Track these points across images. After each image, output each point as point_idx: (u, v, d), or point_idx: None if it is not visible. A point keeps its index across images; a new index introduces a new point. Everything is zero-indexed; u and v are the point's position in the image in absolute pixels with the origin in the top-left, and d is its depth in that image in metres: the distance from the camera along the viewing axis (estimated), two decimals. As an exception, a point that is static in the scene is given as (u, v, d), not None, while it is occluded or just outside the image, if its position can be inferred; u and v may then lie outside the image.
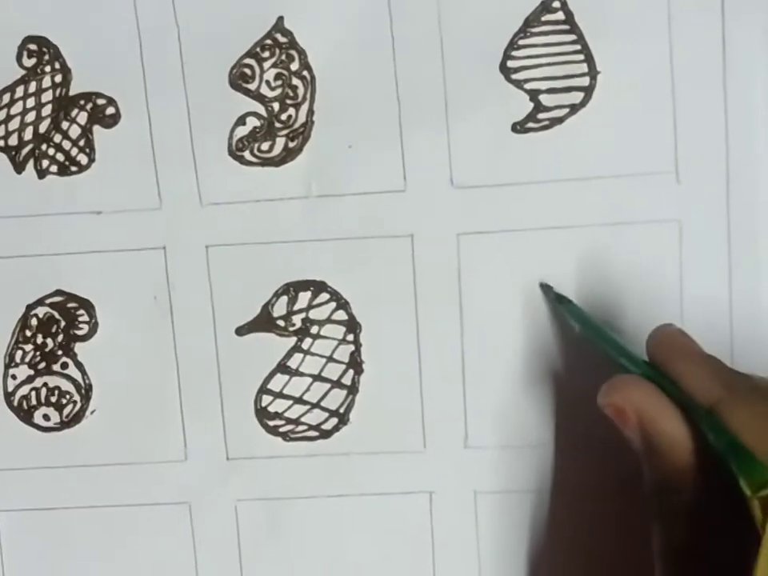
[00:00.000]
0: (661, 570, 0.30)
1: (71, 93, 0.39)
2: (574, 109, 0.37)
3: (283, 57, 0.38)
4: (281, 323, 0.39)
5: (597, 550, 0.38)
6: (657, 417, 0.29)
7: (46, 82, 0.39)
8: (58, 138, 0.39)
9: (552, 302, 0.37)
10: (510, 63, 0.37)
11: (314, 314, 0.39)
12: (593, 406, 0.37)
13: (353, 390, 0.39)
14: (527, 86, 0.37)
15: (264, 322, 0.39)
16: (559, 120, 0.37)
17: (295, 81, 0.38)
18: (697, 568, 0.29)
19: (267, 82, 0.38)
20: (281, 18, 0.38)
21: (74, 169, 0.39)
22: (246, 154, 0.38)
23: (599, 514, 0.38)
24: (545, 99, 0.37)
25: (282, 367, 0.39)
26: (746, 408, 0.28)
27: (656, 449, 0.29)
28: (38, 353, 0.40)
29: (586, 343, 0.36)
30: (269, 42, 0.38)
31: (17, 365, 0.40)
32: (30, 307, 0.40)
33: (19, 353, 0.40)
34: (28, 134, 0.39)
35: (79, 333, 0.39)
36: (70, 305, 0.39)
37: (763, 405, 0.28)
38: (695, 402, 0.29)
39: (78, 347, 0.40)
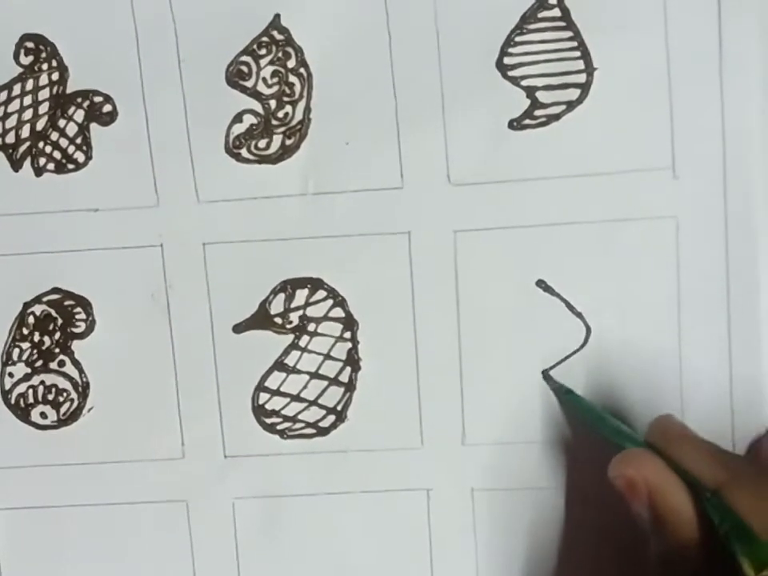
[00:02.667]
0: None
1: (68, 90, 0.39)
2: (570, 105, 0.37)
3: (280, 54, 0.38)
4: (278, 321, 0.39)
5: (594, 546, 0.38)
6: (666, 491, 0.30)
7: (43, 79, 0.39)
8: (55, 135, 0.39)
9: (556, 392, 0.38)
10: (507, 60, 0.37)
11: (311, 312, 0.39)
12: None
13: (350, 387, 0.39)
14: (524, 82, 0.37)
15: (261, 319, 0.39)
16: (556, 117, 0.37)
17: (292, 78, 0.38)
18: None
19: (264, 80, 0.38)
20: (277, 16, 0.38)
21: (71, 166, 0.39)
22: (243, 152, 0.38)
23: (597, 510, 0.38)
24: (541, 96, 0.37)
25: (280, 365, 0.39)
26: (749, 490, 0.29)
27: (664, 522, 0.30)
28: (35, 351, 0.40)
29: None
30: (265, 39, 0.38)
31: (14, 363, 0.40)
32: (27, 305, 0.40)
33: (16, 351, 0.40)
34: (25, 131, 0.39)
35: (76, 331, 0.39)
36: (67, 302, 0.39)
37: (763, 487, 0.29)
38: (699, 481, 0.30)
39: (75, 345, 0.40)
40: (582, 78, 0.37)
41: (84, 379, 0.40)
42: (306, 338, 0.39)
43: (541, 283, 0.37)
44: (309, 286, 0.39)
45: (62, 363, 0.40)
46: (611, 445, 0.34)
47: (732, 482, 0.29)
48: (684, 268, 0.37)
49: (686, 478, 0.30)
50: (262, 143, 0.38)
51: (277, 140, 0.38)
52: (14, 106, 0.39)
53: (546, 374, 0.38)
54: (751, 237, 0.37)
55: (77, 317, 0.39)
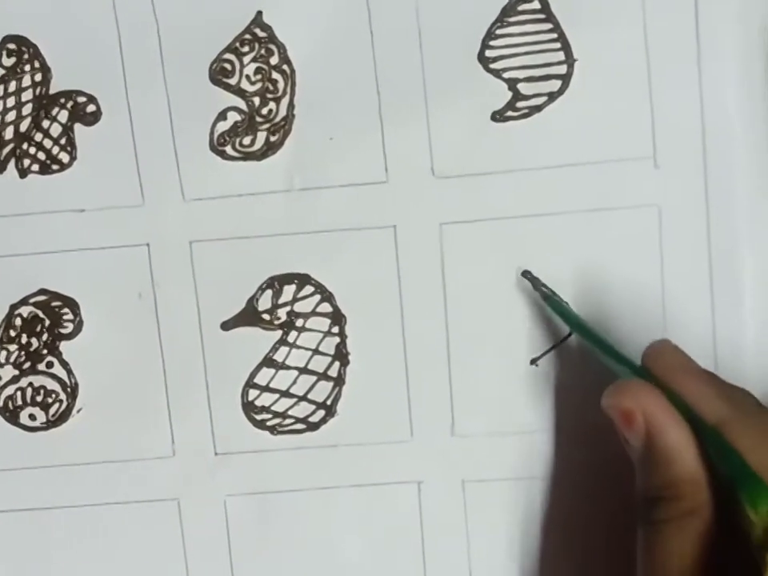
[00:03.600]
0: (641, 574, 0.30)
1: (51, 91, 0.39)
2: (552, 97, 0.37)
3: (263, 51, 0.38)
4: (266, 317, 0.39)
5: (587, 537, 0.38)
6: (665, 425, 0.29)
7: (26, 81, 0.39)
8: (38, 136, 0.39)
9: (540, 292, 0.37)
10: (488, 53, 0.37)
11: (298, 307, 0.39)
12: (579, 392, 0.38)
13: (339, 381, 0.39)
14: (505, 75, 0.37)
15: (249, 316, 0.39)
16: (538, 108, 0.37)
17: (275, 75, 0.38)
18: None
19: (247, 77, 0.38)
20: (260, 13, 0.38)
21: (55, 167, 0.39)
22: (228, 149, 0.38)
23: (588, 500, 0.38)
24: (523, 88, 0.37)
25: (268, 361, 0.39)
26: (751, 428, 0.28)
27: (658, 456, 0.29)
28: (22, 352, 0.40)
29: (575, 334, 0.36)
30: (248, 36, 0.38)
31: (1, 365, 0.40)
32: (13, 307, 0.39)
33: (4, 353, 0.40)
34: (9, 133, 0.39)
35: (64, 331, 0.39)
36: (54, 303, 0.39)
37: (766, 425, 0.28)
38: (700, 417, 0.29)
39: (63, 346, 0.40)
40: (562, 69, 0.37)
41: (72, 380, 0.40)
42: (294, 333, 0.39)
43: (527, 274, 0.38)
44: (296, 281, 0.39)
45: (50, 364, 0.40)
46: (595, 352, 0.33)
47: (733, 419, 0.28)
48: (667, 256, 0.37)
49: (685, 412, 0.29)
50: (247, 140, 0.38)
51: (261, 137, 0.38)
52: (-3, 107, 0.39)
53: (528, 276, 0.38)
54: (733, 224, 0.37)
55: (64, 318, 0.39)
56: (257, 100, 0.38)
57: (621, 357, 0.33)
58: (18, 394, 0.40)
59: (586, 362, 0.38)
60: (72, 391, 0.40)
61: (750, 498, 0.26)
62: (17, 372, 0.40)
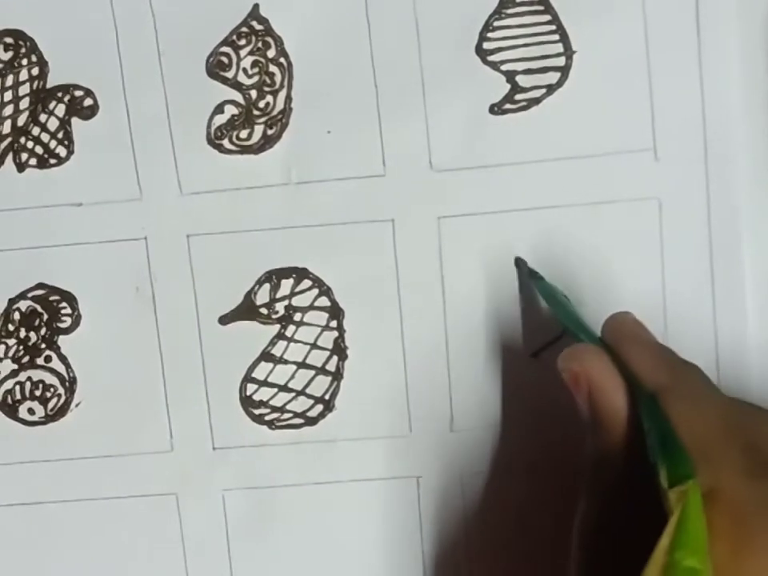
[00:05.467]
0: (575, 547, 0.29)
1: (48, 85, 0.39)
2: (550, 89, 0.37)
3: (260, 44, 0.38)
4: (264, 311, 0.39)
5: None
6: (605, 389, 0.29)
7: (23, 75, 0.39)
8: (36, 130, 0.39)
9: (524, 277, 0.37)
10: (486, 45, 0.37)
11: (296, 301, 0.39)
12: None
13: (337, 376, 0.39)
14: (503, 67, 0.37)
15: (247, 310, 0.39)
16: (536, 101, 0.37)
17: (272, 68, 0.38)
18: (607, 548, 0.28)
19: (244, 70, 0.38)
20: (256, 6, 0.38)
21: (53, 161, 0.39)
22: (225, 143, 0.38)
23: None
24: (521, 80, 0.37)
25: (266, 355, 0.39)
26: (687, 400, 0.28)
27: (599, 420, 0.29)
28: (21, 347, 0.40)
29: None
30: (245, 29, 0.38)
31: (0, 360, 0.40)
32: (12, 301, 0.39)
33: (2, 347, 0.40)
34: (6, 127, 0.39)
35: (62, 326, 0.39)
36: (52, 298, 0.39)
37: (704, 399, 0.28)
38: (640, 384, 0.29)
39: (62, 340, 0.40)
40: (561, 62, 0.37)
41: (71, 374, 0.40)
42: (292, 327, 0.39)
43: (519, 261, 0.37)
44: (294, 275, 0.39)
45: (48, 359, 0.40)
46: (573, 338, 0.33)
47: (672, 388, 0.28)
48: (667, 249, 0.37)
49: (630, 379, 0.29)
50: (244, 134, 0.38)
51: (258, 130, 0.38)
52: (-5, 101, 0.39)
53: (519, 260, 0.37)
54: (734, 216, 0.37)
55: (62, 312, 0.39)
56: (254, 93, 0.38)
57: (584, 327, 0.33)
58: (17, 388, 0.40)
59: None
60: (70, 385, 0.40)
61: (667, 464, 0.25)
62: (15, 366, 0.40)
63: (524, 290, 0.38)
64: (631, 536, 0.27)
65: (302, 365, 0.39)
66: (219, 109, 0.38)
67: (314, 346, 0.39)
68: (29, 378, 0.40)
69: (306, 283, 0.39)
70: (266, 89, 0.38)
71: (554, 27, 0.37)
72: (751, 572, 0.24)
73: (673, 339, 0.37)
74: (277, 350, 0.39)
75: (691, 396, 0.28)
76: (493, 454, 0.39)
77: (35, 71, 0.39)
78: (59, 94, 0.39)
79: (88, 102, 0.39)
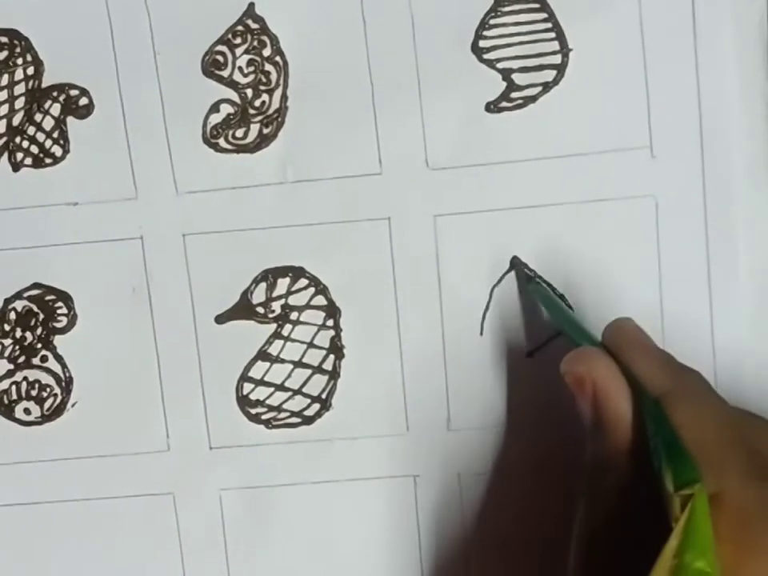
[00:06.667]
0: (574, 552, 0.29)
1: (44, 84, 0.39)
2: (546, 87, 0.37)
3: (255, 43, 0.38)
4: (260, 310, 0.39)
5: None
6: (611, 392, 0.29)
7: (18, 74, 0.39)
8: (31, 130, 0.39)
9: (521, 280, 0.37)
10: (482, 43, 0.37)
11: (293, 300, 0.39)
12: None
13: (334, 375, 0.39)
14: (499, 65, 0.37)
15: (243, 309, 0.39)
16: (532, 98, 0.37)
17: (268, 66, 0.38)
18: (606, 553, 0.28)
19: (240, 69, 0.38)
20: (252, 4, 0.38)
21: (48, 161, 0.39)
22: (221, 141, 0.38)
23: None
24: (517, 78, 0.37)
25: (263, 354, 0.39)
26: (691, 405, 0.28)
27: (603, 424, 0.29)
28: (17, 347, 0.40)
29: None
30: (240, 28, 0.38)
31: (-4, 360, 0.40)
32: (8, 301, 0.39)
33: (-2, 347, 0.40)
34: (1, 126, 0.39)
35: (58, 325, 0.39)
36: (48, 297, 0.39)
37: (707, 404, 0.29)
38: (644, 389, 0.29)
39: (58, 340, 0.39)
40: (557, 59, 0.37)
41: (67, 374, 0.39)
42: (288, 326, 0.39)
43: (515, 260, 0.37)
44: (290, 274, 0.39)
45: (44, 359, 0.40)
46: (569, 341, 0.33)
47: (675, 393, 0.28)
48: (664, 247, 0.37)
49: (634, 384, 0.29)
50: (240, 132, 0.38)
51: (254, 129, 0.38)
52: (-10, 101, 0.39)
53: (515, 260, 0.37)
54: (730, 214, 0.37)
55: (58, 311, 0.39)
56: (250, 92, 0.38)
57: (583, 331, 0.33)
58: (13, 388, 0.40)
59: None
60: (66, 385, 0.39)
61: (672, 469, 0.25)
62: (11, 366, 0.40)
63: (521, 289, 0.37)
64: (631, 540, 0.27)
65: (298, 364, 0.39)
66: (215, 108, 0.38)
67: (311, 345, 0.39)
68: (25, 378, 0.40)
69: (303, 282, 0.39)
70: (262, 87, 0.38)
71: (549, 25, 0.37)
72: (755, 574, 0.24)
73: (670, 337, 0.37)
74: (273, 349, 0.39)
75: (694, 401, 0.28)
76: (490, 452, 0.39)
77: (30, 70, 0.38)
78: (54, 94, 0.39)
79: (83, 101, 0.38)
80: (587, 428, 0.31)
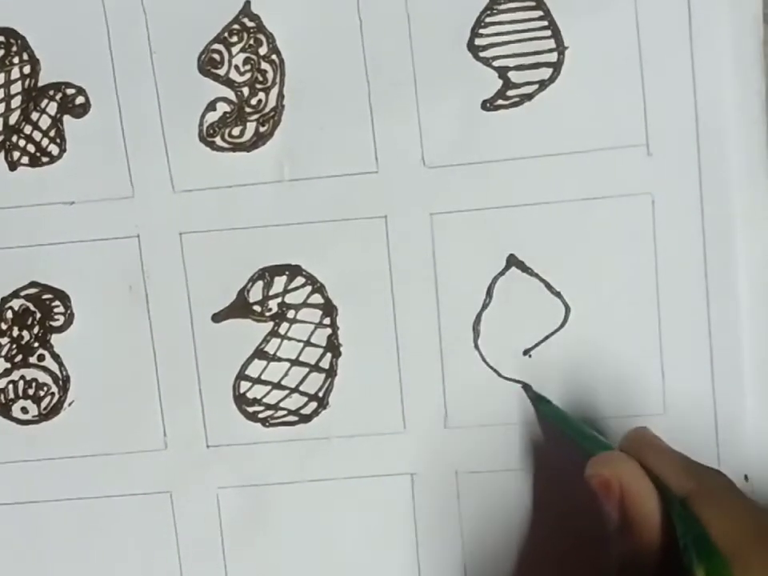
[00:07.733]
0: None
1: (40, 83, 0.39)
2: (543, 85, 0.37)
3: (251, 41, 0.38)
4: (257, 308, 0.39)
5: (580, 529, 0.38)
6: (638, 493, 0.31)
7: (15, 73, 0.39)
8: (28, 129, 0.39)
9: (532, 402, 0.38)
10: (478, 41, 0.37)
11: (290, 299, 0.39)
12: (572, 383, 0.38)
13: (331, 373, 0.39)
14: (495, 63, 0.37)
15: (240, 307, 0.39)
16: (528, 96, 0.37)
17: (264, 65, 0.38)
18: None
19: (236, 67, 0.38)
20: (248, 3, 0.38)
21: (45, 159, 0.39)
22: (217, 140, 0.38)
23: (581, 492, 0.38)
24: (513, 76, 0.37)
25: (260, 353, 0.39)
26: (717, 503, 0.29)
27: (630, 525, 0.30)
28: (14, 345, 0.40)
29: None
30: (236, 26, 0.38)
31: (-6, 358, 0.40)
32: (5, 300, 0.39)
33: (-5, 346, 0.40)
34: (-2, 125, 0.39)
35: (55, 324, 0.39)
36: (45, 296, 0.39)
37: (732, 502, 0.30)
38: (669, 490, 0.30)
39: (55, 339, 0.39)
40: (553, 57, 0.37)
41: (64, 373, 0.39)
42: (285, 325, 0.39)
43: (512, 258, 0.37)
44: (287, 272, 0.39)
45: (41, 357, 0.40)
46: (586, 454, 0.34)
47: (700, 493, 0.30)
48: (660, 244, 0.37)
49: (658, 486, 0.31)
50: (236, 131, 0.38)
51: (251, 127, 0.38)
52: (-14, 100, 0.39)
53: (525, 386, 0.38)
54: (727, 211, 0.37)
55: (55, 310, 0.39)
56: (246, 90, 0.38)
57: (600, 441, 0.34)
58: (10, 387, 0.40)
59: (577, 353, 0.38)
60: (63, 384, 0.39)
61: (704, 566, 0.27)
62: (8, 365, 0.40)
63: (535, 408, 0.38)
64: None
65: (295, 362, 0.39)
66: (211, 106, 0.38)
67: (308, 343, 0.39)
68: (22, 377, 0.40)
69: (299, 280, 0.39)
70: (258, 86, 0.38)
71: (545, 23, 0.37)
72: None
73: (666, 334, 0.37)
74: (270, 348, 0.39)
75: (720, 499, 0.29)
76: (487, 450, 0.39)
77: (27, 69, 0.39)
78: (51, 92, 0.39)
79: (80, 100, 0.38)
80: (612, 530, 0.31)
